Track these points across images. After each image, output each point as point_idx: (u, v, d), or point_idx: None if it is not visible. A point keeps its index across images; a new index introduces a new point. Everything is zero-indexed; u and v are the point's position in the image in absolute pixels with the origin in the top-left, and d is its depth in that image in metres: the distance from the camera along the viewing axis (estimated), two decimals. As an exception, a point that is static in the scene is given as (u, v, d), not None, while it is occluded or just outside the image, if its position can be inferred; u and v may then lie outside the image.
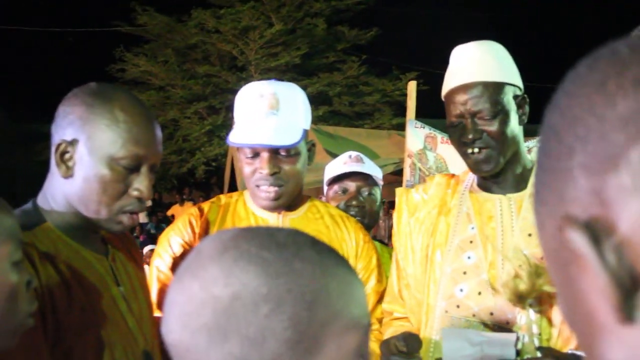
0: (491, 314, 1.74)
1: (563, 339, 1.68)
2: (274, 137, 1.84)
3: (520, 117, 1.80)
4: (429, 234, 1.89)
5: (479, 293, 1.76)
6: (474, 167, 1.80)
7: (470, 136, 1.75)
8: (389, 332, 1.91)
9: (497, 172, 1.79)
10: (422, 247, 1.89)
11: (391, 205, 9.07)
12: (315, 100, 14.59)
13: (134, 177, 1.46)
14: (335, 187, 2.71)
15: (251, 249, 0.75)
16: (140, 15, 16.97)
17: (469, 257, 1.80)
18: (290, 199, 1.96)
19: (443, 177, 1.98)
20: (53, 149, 1.45)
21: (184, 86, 16.94)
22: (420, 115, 5.27)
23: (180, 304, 0.75)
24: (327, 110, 16.17)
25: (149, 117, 1.49)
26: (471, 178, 1.90)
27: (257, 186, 1.92)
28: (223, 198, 2.09)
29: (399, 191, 2.03)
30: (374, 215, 2.73)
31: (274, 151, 1.88)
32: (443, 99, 1.84)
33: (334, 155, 3.17)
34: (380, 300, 2.02)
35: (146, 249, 6.77)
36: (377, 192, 2.74)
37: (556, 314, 1.69)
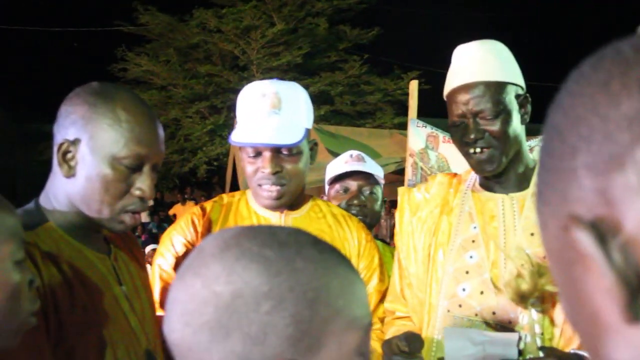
0: (493, 313, 1.74)
1: (565, 338, 1.68)
2: (276, 136, 1.84)
3: (522, 116, 1.80)
4: (431, 233, 1.89)
5: (482, 292, 1.76)
6: (476, 167, 1.80)
7: (472, 136, 1.75)
8: (391, 331, 1.91)
9: (500, 172, 1.79)
10: (424, 246, 1.89)
11: (393, 204, 9.08)
12: (317, 100, 14.59)
13: (136, 176, 1.46)
14: (337, 186, 2.71)
15: (253, 247, 0.75)
16: (142, 14, 16.98)
17: (471, 257, 1.80)
18: (292, 198, 1.96)
19: (445, 177, 1.98)
20: (55, 148, 1.45)
21: (186, 86, 16.95)
22: (422, 114, 5.27)
23: (182, 302, 0.76)
24: (328, 110, 16.16)
25: (151, 117, 1.49)
26: (473, 177, 1.90)
27: (260, 185, 1.92)
28: (225, 197, 2.09)
29: (401, 190, 2.03)
30: (376, 215, 2.72)
31: (276, 150, 1.88)
32: (445, 98, 1.84)
33: (336, 155, 3.18)
34: (382, 299, 2.02)
35: (148, 249, 6.78)
36: (379, 191, 2.74)
37: (558, 313, 1.69)
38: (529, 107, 1.81)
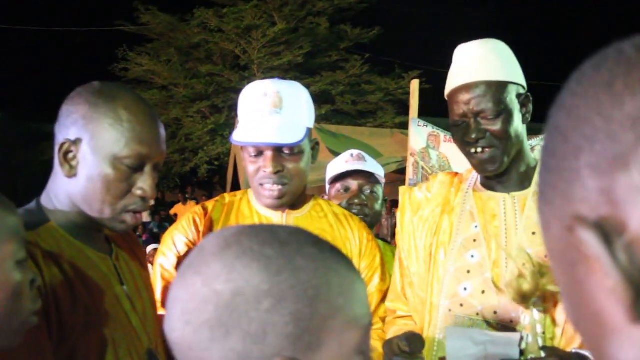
0: (495, 312, 1.74)
1: (567, 337, 1.68)
2: (278, 135, 1.84)
3: (523, 115, 1.79)
4: (433, 232, 1.88)
5: (483, 292, 1.76)
6: (478, 167, 1.80)
7: (474, 136, 1.74)
8: (392, 330, 1.91)
9: (502, 171, 1.79)
10: (425, 245, 1.89)
11: (394, 204, 9.08)
12: (318, 99, 14.59)
13: (137, 176, 1.46)
14: (338, 185, 2.71)
15: (253, 246, 0.76)
16: (143, 14, 17.01)
17: (472, 256, 1.80)
18: (294, 197, 1.96)
19: (446, 176, 1.98)
20: (56, 148, 1.45)
21: (187, 85, 16.97)
22: (423, 113, 5.27)
23: (182, 300, 0.76)
24: (329, 109, 16.17)
25: (152, 116, 1.49)
26: (474, 176, 1.90)
27: (261, 185, 1.92)
28: (227, 197, 2.09)
29: (402, 190, 2.02)
30: (377, 214, 2.72)
31: (278, 150, 1.88)
32: (446, 98, 1.84)
33: (337, 154, 3.18)
34: (383, 299, 2.02)
35: (149, 248, 6.77)
36: (379, 190, 2.74)
37: (560, 313, 1.69)
38: (530, 106, 1.81)
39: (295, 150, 1.89)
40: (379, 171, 2.77)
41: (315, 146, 2.01)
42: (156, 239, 9.65)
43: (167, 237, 2.02)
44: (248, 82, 2.03)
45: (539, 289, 1.65)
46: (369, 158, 2.79)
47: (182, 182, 18.29)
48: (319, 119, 12.00)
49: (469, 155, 1.80)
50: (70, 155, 1.44)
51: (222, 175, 15.60)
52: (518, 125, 1.77)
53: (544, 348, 1.63)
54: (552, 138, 0.51)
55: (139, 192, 1.46)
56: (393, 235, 8.91)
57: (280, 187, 1.90)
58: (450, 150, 4.94)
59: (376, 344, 1.82)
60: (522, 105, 1.79)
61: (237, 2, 16.37)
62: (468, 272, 1.79)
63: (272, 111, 1.87)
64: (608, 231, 0.45)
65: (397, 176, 7.42)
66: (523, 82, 1.81)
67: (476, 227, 1.81)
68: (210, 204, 2.05)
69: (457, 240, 1.83)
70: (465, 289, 1.78)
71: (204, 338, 0.73)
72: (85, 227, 1.48)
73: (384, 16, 18.37)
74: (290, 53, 16.34)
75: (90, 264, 1.46)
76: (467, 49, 1.81)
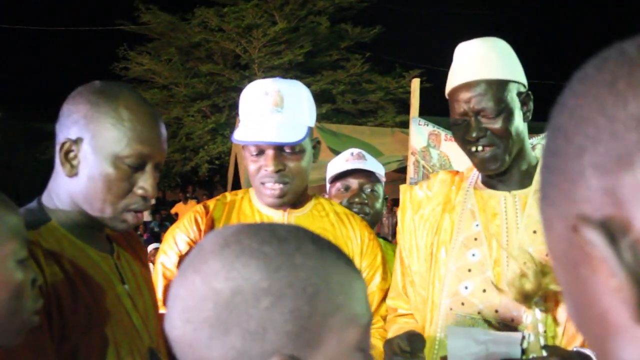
0: (496, 311, 1.74)
1: (568, 336, 1.68)
2: (279, 134, 1.84)
3: (524, 114, 1.79)
4: (434, 231, 1.88)
5: (484, 290, 1.76)
6: (480, 166, 1.80)
7: (474, 134, 1.74)
8: (394, 328, 1.91)
9: (503, 170, 1.79)
10: (426, 244, 1.89)
11: (395, 202, 9.08)
12: (319, 98, 14.58)
13: (138, 175, 1.46)
14: (338, 184, 2.71)
15: (252, 244, 0.76)
16: (143, 13, 17.01)
17: (473, 255, 1.79)
18: (295, 196, 1.96)
19: (447, 174, 1.98)
20: (57, 147, 1.45)
21: (188, 84, 16.98)
22: (424, 112, 5.27)
23: (182, 298, 0.76)
24: (330, 108, 16.19)
25: (153, 116, 1.49)
26: (475, 175, 1.90)
27: (262, 184, 1.92)
28: (228, 196, 2.09)
29: (402, 188, 2.02)
30: (377, 213, 2.72)
31: (279, 148, 1.88)
32: (447, 96, 1.84)
33: (338, 153, 3.18)
34: (385, 297, 2.01)
35: (150, 248, 6.78)
36: (380, 189, 2.73)
37: (561, 311, 1.69)
38: (531, 105, 1.81)
39: (296, 149, 1.89)
40: (380, 170, 2.77)
41: (316, 145, 2.01)
42: (157, 238, 9.66)
43: (168, 236, 2.02)
44: (249, 82, 2.03)
45: (541, 288, 1.65)
46: (369, 157, 2.79)
47: (182, 181, 18.29)
48: (320, 118, 11.99)
49: (470, 154, 1.80)
50: (71, 155, 1.44)
51: (222, 175, 15.61)
52: (519, 123, 1.76)
53: (545, 347, 1.63)
54: (554, 138, 0.51)
55: (140, 192, 1.46)
56: (394, 234, 8.92)
57: (281, 185, 1.90)
58: (451, 149, 4.94)
59: (378, 343, 1.82)
60: (523, 103, 1.78)
61: (237, 1, 16.38)
62: (469, 270, 1.79)
63: (273, 110, 1.87)
64: (613, 231, 0.45)
65: (398, 175, 7.41)
66: (524, 80, 1.80)
67: (477, 225, 1.81)
68: (211, 203, 2.06)
69: (458, 239, 1.83)
70: (466, 287, 1.78)
71: (204, 336, 0.74)
72: (87, 226, 1.48)
73: (385, 15, 18.40)
74: (291, 52, 16.35)
75: (92, 263, 1.46)
76: (467, 47, 1.81)
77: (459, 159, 3.70)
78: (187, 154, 17.29)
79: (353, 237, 2.04)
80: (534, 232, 1.74)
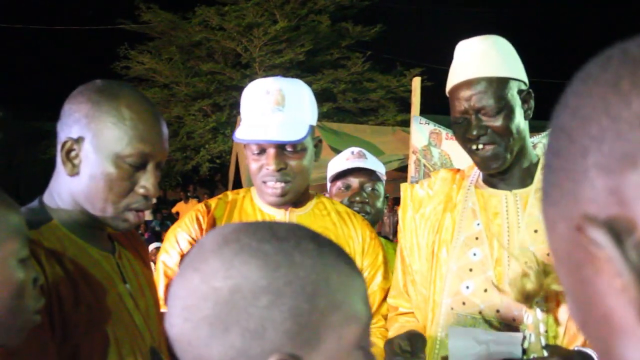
0: (497, 311, 1.73)
1: (569, 336, 1.67)
2: (280, 133, 1.84)
3: (525, 112, 1.78)
4: (435, 230, 1.88)
5: (485, 290, 1.75)
6: (481, 164, 1.79)
7: (475, 132, 1.74)
8: (395, 327, 1.91)
9: (504, 168, 1.78)
10: (427, 243, 1.89)
11: (396, 201, 9.07)
12: (320, 97, 14.57)
13: (140, 174, 1.46)
14: (339, 183, 2.71)
15: (252, 242, 0.76)
16: (144, 12, 17.02)
17: (474, 254, 1.79)
18: (296, 195, 1.96)
19: (448, 172, 1.97)
20: (59, 146, 1.45)
21: (188, 83, 16.98)
22: (425, 111, 5.27)
23: (182, 297, 0.77)
24: (331, 107, 16.19)
25: (155, 115, 1.49)
26: (476, 173, 1.90)
27: (264, 182, 1.92)
28: (230, 194, 2.09)
29: (403, 187, 2.02)
30: (378, 211, 2.72)
31: (280, 147, 1.88)
32: (447, 94, 1.83)
33: (338, 152, 3.18)
34: (386, 297, 2.01)
35: (151, 247, 6.78)
36: (381, 188, 2.73)
37: (562, 311, 1.68)
38: (532, 103, 1.80)
39: (297, 148, 1.89)
40: (380, 168, 2.77)
41: (317, 144, 2.01)
42: (158, 237, 9.66)
43: (170, 235, 2.02)
44: (249, 80, 2.03)
45: (542, 288, 1.64)
46: (370, 155, 2.79)
47: (183, 180, 18.30)
48: (321, 116, 11.96)
49: (470, 153, 1.79)
50: (73, 154, 1.43)
51: (223, 173, 15.62)
52: (520, 121, 1.76)
53: (546, 347, 1.63)
54: (556, 138, 0.51)
55: (141, 191, 1.46)
56: (395, 233, 8.91)
57: (283, 184, 1.90)
58: (452, 148, 4.94)
59: (379, 342, 1.82)
60: (524, 101, 1.78)
61: (238, 0, 16.38)
62: (470, 270, 1.78)
63: (274, 109, 1.87)
64: (618, 230, 0.45)
65: (399, 174, 7.42)
66: (524, 78, 1.80)
67: (478, 224, 1.81)
68: (213, 202, 2.06)
69: (459, 238, 1.82)
70: (467, 287, 1.78)
71: (203, 334, 0.74)
72: (88, 225, 1.48)
73: (386, 14, 18.39)
74: (292, 51, 16.35)
75: (93, 263, 1.46)
76: (468, 45, 1.80)
77: (460, 157, 3.69)
78: (188, 152, 17.30)
79: (354, 236, 2.04)
80: (535, 231, 1.74)
